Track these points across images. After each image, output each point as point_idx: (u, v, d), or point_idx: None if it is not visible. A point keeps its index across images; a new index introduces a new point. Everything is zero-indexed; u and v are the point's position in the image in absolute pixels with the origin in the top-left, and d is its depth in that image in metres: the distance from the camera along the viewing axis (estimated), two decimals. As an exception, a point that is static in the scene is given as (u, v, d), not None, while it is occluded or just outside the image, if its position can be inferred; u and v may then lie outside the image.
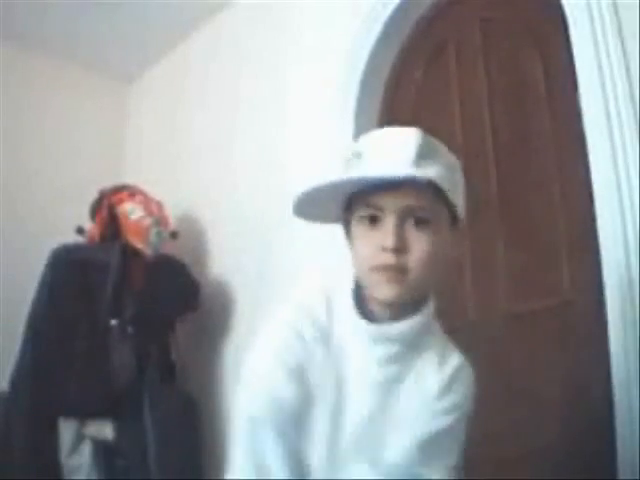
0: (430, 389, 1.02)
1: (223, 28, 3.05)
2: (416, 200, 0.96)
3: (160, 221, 2.64)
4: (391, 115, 2.30)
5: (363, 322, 1.01)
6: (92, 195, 2.73)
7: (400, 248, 0.95)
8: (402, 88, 2.29)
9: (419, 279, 0.97)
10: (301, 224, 1.08)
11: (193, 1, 2.96)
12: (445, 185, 0.96)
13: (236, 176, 2.76)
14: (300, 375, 0.98)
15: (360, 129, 2.27)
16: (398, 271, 0.95)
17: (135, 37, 3.21)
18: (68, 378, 2.31)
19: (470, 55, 2.08)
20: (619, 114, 1.56)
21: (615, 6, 1.62)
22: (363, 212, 0.99)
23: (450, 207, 1.01)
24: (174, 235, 2.71)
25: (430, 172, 0.95)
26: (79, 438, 2.37)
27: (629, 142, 1.53)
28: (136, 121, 3.54)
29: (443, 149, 1.01)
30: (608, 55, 1.60)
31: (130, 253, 2.55)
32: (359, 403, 1.00)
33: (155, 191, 2.77)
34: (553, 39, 1.82)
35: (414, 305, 1.03)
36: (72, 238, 2.63)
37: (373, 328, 1.01)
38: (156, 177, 3.06)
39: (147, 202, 2.68)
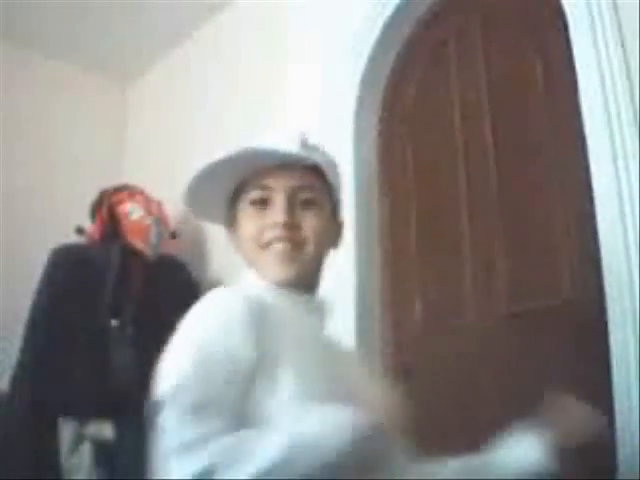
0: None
1: (223, 28, 3.05)
2: (303, 181, 1.00)
3: (160, 221, 2.64)
4: (391, 115, 2.30)
5: (294, 295, 0.97)
6: (92, 195, 2.73)
7: (291, 223, 0.97)
8: (402, 87, 2.28)
9: (312, 255, 0.98)
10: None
11: (193, 1, 2.96)
12: (329, 174, 1.02)
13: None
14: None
15: (360, 129, 2.27)
16: (292, 245, 0.96)
17: (135, 37, 3.21)
18: (68, 378, 2.30)
19: (470, 55, 2.08)
20: (619, 114, 1.56)
21: (615, 6, 1.62)
22: (253, 195, 1.00)
23: (331, 200, 1.05)
24: (174, 235, 2.71)
25: (315, 157, 1.01)
26: (79, 438, 2.37)
27: (629, 142, 1.53)
28: (136, 121, 3.54)
29: (324, 149, 1.06)
30: (608, 55, 1.60)
31: (130, 253, 2.55)
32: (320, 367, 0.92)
33: (155, 191, 2.76)
34: (553, 39, 1.82)
35: (305, 288, 1.00)
36: (72, 238, 2.63)
37: (306, 298, 0.99)
38: (156, 177, 3.06)
39: (147, 202, 2.68)
